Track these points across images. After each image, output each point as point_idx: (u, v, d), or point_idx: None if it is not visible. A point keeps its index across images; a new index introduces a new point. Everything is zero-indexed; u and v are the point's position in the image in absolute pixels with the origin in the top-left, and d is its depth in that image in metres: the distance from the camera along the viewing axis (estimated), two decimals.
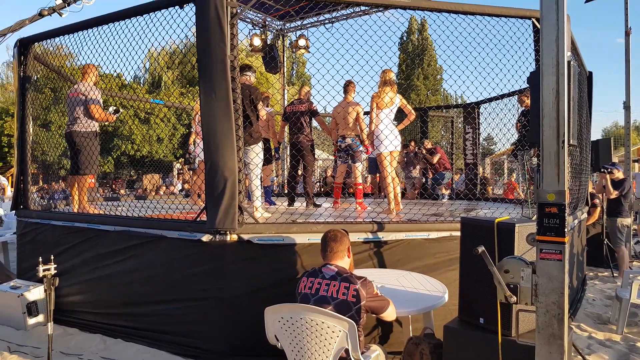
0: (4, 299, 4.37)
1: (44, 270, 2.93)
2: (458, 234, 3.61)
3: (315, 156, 7.06)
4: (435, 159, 8.52)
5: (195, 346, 3.59)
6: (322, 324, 2.32)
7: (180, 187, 14.01)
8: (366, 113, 6.28)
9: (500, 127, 5.92)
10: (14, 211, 5.37)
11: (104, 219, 4.32)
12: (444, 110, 11.65)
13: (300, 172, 6.69)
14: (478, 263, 2.35)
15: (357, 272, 3.26)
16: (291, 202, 6.39)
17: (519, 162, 6.54)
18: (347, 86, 5.93)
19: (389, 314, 2.58)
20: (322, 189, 10.68)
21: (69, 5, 6.04)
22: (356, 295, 2.45)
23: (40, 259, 2.95)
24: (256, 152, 4.87)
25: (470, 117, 8.45)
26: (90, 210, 5.00)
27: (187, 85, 23.22)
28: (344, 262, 2.67)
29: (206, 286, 3.58)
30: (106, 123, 5.66)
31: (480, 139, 8.78)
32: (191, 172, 8.64)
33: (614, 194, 6.48)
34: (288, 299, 2.62)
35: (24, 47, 5.31)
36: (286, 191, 6.69)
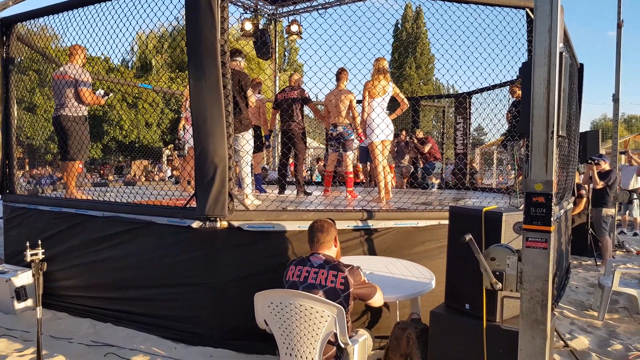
0: None
1: (31, 255, 2.90)
2: (446, 222, 3.65)
3: (307, 144, 7.05)
4: (426, 149, 8.56)
5: (185, 330, 3.62)
6: (311, 309, 2.34)
7: (169, 174, 13.92)
8: (358, 101, 6.27)
9: (490, 118, 5.95)
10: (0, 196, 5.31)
11: (93, 205, 4.29)
12: (436, 100, 11.67)
13: (291, 160, 6.69)
14: (465, 251, 2.38)
15: (347, 258, 3.30)
16: (281, 190, 6.39)
17: (509, 153, 6.61)
18: (340, 74, 5.90)
19: (377, 300, 2.61)
20: (313, 178, 10.69)
21: None
22: (344, 283, 2.48)
23: (28, 244, 2.92)
24: (246, 139, 4.84)
25: (462, 107, 8.49)
26: (78, 196, 4.95)
27: (177, 70, 22.94)
28: (331, 251, 2.70)
29: (196, 272, 3.59)
30: (95, 107, 5.56)
31: (471, 129, 8.83)
32: (180, 158, 8.58)
33: (600, 184, 6.59)
34: (278, 285, 2.64)
35: (6, 27, 5.17)
36: (278, 179, 6.67)
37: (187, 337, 3.57)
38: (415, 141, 8.78)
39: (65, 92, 5.00)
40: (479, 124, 10.66)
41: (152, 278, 3.81)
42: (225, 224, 3.56)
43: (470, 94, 8.35)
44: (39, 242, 3.02)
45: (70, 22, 4.70)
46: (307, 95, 6.21)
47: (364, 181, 9.05)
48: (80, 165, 7.57)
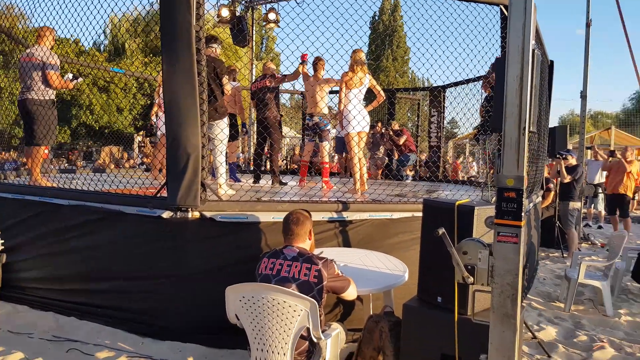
0: None
1: None
2: (420, 214, 3.68)
3: (283, 134, 6.99)
4: (402, 141, 8.62)
5: (153, 324, 3.53)
6: (284, 303, 2.32)
7: (140, 161, 13.62)
8: (334, 92, 6.25)
9: (464, 112, 6.01)
10: None
11: (58, 193, 4.13)
12: (411, 93, 11.74)
13: (266, 150, 6.63)
14: (438, 244, 2.40)
15: (322, 250, 3.29)
16: (256, 180, 6.33)
17: (480, 147, 6.71)
18: (316, 63, 5.85)
19: (350, 294, 2.61)
20: (289, 167, 10.64)
21: None
22: (318, 276, 2.46)
23: None
24: (221, 128, 4.75)
25: (437, 101, 8.56)
26: (43, 183, 4.78)
27: (151, 55, 22.36)
28: (305, 244, 2.68)
29: (166, 264, 3.51)
30: (63, 90, 5.34)
31: (445, 122, 8.93)
32: (152, 145, 8.39)
33: (568, 178, 6.78)
34: (250, 278, 2.60)
35: None
36: (252, 168, 6.60)
37: (155, 331, 3.48)
38: (391, 133, 8.82)
39: (32, 75, 4.80)
40: (453, 118, 10.76)
41: (119, 270, 3.70)
42: (197, 214, 3.49)
43: (444, 87, 8.43)
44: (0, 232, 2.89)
45: (39, 1, 4.50)
46: (278, 77, 6.15)
47: (340, 172, 9.05)
48: (47, 151, 7.32)
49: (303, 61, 5.86)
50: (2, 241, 2.86)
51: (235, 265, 3.45)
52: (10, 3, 5.24)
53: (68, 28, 4.42)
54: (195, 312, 3.48)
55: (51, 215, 4.04)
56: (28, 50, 4.94)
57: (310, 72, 5.95)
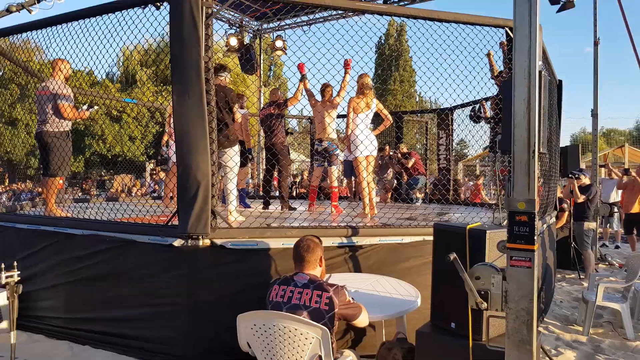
0: None
1: (6, 277, 2.80)
2: (431, 238, 3.64)
3: (292, 159, 7.04)
4: (410, 163, 8.61)
5: (166, 352, 3.51)
6: (295, 330, 2.30)
7: (152, 189, 13.75)
8: (342, 116, 6.30)
9: (473, 134, 6.00)
10: None
11: (72, 222, 4.18)
12: (419, 115, 11.79)
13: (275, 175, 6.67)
14: (450, 269, 2.37)
15: (332, 277, 3.26)
16: (266, 205, 6.36)
17: (490, 167, 6.67)
18: (325, 89, 5.93)
19: (362, 321, 2.58)
20: (298, 192, 10.66)
21: (39, 2, 5.84)
22: (329, 303, 2.44)
23: (3, 265, 2.82)
24: (231, 155, 4.81)
25: (444, 123, 8.58)
26: (57, 213, 4.83)
27: (162, 84, 22.85)
28: (316, 271, 2.66)
29: (178, 292, 3.51)
30: (79, 121, 5.44)
31: (454, 143, 8.93)
32: (163, 173, 8.49)
33: (581, 198, 6.69)
34: (261, 305, 2.59)
35: None
36: (261, 194, 6.63)
37: None
38: (399, 156, 8.82)
39: (46, 107, 4.92)
40: (462, 138, 10.75)
41: (132, 298, 3.70)
42: (207, 242, 3.50)
43: (452, 109, 8.46)
44: (15, 263, 2.92)
45: (54, 36, 4.64)
46: (281, 101, 6.20)
47: (349, 196, 9.04)
48: (62, 181, 7.44)
49: (302, 75, 5.86)
50: (19, 272, 2.89)
51: (246, 292, 3.43)
52: (27, 38, 5.40)
53: (81, 60, 4.53)
54: (209, 339, 3.44)
55: (65, 245, 4.08)
56: (43, 84, 5.07)
57: (318, 97, 6.01)
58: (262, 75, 12.30)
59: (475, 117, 5.82)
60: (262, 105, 11.19)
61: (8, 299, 2.82)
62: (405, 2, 9.82)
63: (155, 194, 10.01)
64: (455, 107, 8.30)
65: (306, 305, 2.44)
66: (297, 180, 12.77)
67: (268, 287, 2.65)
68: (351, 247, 3.73)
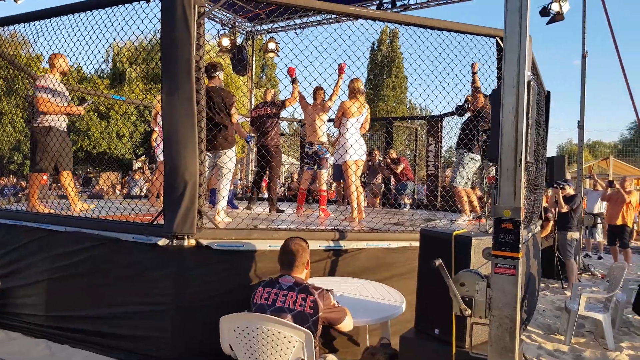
0: None
1: None
2: (417, 244, 3.65)
3: (282, 161, 7.01)
4: (399, 169, 8.64)
5: (146, 353, 3.46)
6: (279, 334, 2.28)
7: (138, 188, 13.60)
8: (330, 120, 6.30)
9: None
10: None
11: (55, 219, 4.11)
12: (409, 121, 11.87)
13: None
14: (435, 275, 2.38)
15: (317, 280, 3.25)
16: (249, 206, 6.27)
17: (479, 175, 6.72)
18: (316, 92, 5.93)
19: (346, 325, 2.57)
20: (287, 194, 10.65)
21: None
22: (313, 307, 2.43)
23: None
24: (229, 157, 4.80)
25: (434, 130, 8.64)
26: (40, 209, 4.75)
27: (151, 82, 22.67)
28: (302, 274, 2.65)
29: (161, 291, 3.46)
30: (72, 115, 5.27)
31: (442, 150, 8.99)
32: (149, 171, 8.42)
33: (565, 208, 6.77)
34: (246, 306, 2.56)
35: None
36: (248, 194, 6.54)
37: None
38: (389, 161, 8.85)
39: (33, 102, 4.83)
40: (450, 146, 10.84)
41: (115, 297, 3.64)
42: (193, 242, 3.46)
43: (442, 116, 8.53)
44: None
45: (42, 30, 4.58)
46: (278, 103, 6.13)
47: (337, 199, 9.04)
48: (45, 177, 7.31)
49: (293, 78, 5.82)
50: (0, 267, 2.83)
51: (231, 293, 3.41)
52: (15, 30, 5.31)
53: (70, 55, 4.47)
54: (191, 340, 3.41)
55: (47, 241, 4.00)
56: (37, 81, 4.98)
57: (310, 100, 6.01)
58: (253, 77, 12.26)
59: (461, 110, 5.88)
60: (252, 106, 11.16)
61: None
62: (398, 9, 9.90)
63: (142, 193, 9.92)
64: (445, 115, 8.37)
65: (290, 309, 2.43)
66: (287, 183, 12.75)
67: (253, 289, 2.63)
68: (337, 251, 3.72)
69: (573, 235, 6.87)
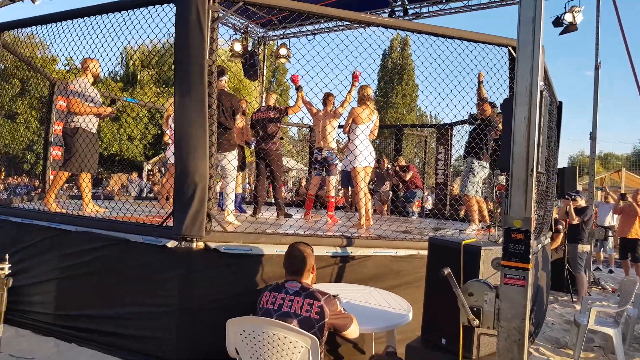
0: None
1: None
2: (425, 252, 3.62)
3: (290, 166, 6.98)
4: (408, 177, 8.61)
5: (152, 354, 3.46)
6: (285, 339, 2.28)
7: (149, 189, 13.72)
8: (340, 126, 6.30)
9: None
10: None
11: (66, 219, 4.15)
12: (419, 129, 11.84)
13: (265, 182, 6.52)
14: (443, 284, 2.36)
15: (324, 286, 3.24)
16: (255, 212, 6.11)
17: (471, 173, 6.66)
18: (326, 99, 5.94)
19: (352, 332, 2.55)
20: (295, 199, 10.65)
21: None
22: (320, 312, 2.42)
23: None
24: (229, 159, 4.86)
25: (444, 138, 8.61)
26: (53, 207, 4.80)
27: (163, 85, 22.90)
28: (308, 279, 2.65)
29: (169, 293, 3.47)
30: (102, 117, 5.31)
31: (452, 159, 8.96)
32: (159, 174, 8.48)
33: (576, 220, 6.69)
34: (252, 310, 2.56)
35: None
36: (253, 200, 6.42)
37: None
38: (397, 169, 8.82)
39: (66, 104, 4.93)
40: (460, 155, 10.79)
41: (123, 297, 3.66)
42: (201, 245, 3.48)
43: (452, 125, 8.50)
44: (6, 256, 2.89)
45: (59, 32, 4.64)
46: (281, 108, 6.01)
47: (345, 205, 9.03)
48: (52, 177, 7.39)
49: (297, 87, 5.77)
50: (10, 265, 2.86)
51: (238, 296, 3.41)
52: (32, 32, 5.38)
53: (85, 57, 4.52)
54: (197, 342, 3.41)
55: (58, 240, 4.05)
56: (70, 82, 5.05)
57: (320, 105, 6.01)
58: (264, 82, 12.32)
59: (472, 119, 5.86)
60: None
61: None
62: (410, 17, 9.91)
63: (152, 195, 10.00)
64: (456, 123, 8.34)
65: (297, 314, 2.42)
66: (295, 188, 12.76)
67: (259, 293, 2.63)
68: (345, 258, 3.71)
69: (584, 247, 6.78)
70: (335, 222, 5.68)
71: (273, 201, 6.51)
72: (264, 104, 12.59)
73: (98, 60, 5.03)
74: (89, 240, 3.85)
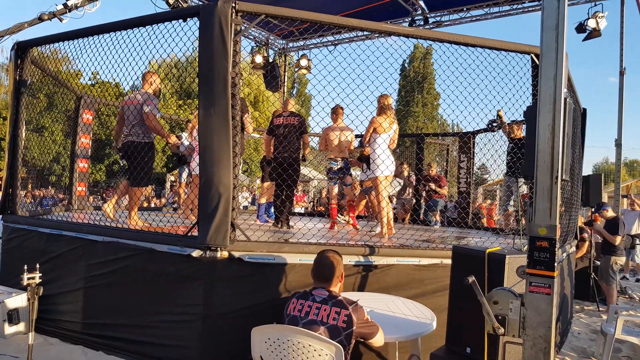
0: None
1: (28, 279, 2.88)
2: (448, 261, 3.60)
3: (312, 176, 7.01)
4: (443, 191, 8.37)
5: None
6: (309, 346, 2.30)
7: (172, 200, 13.95)
8: (358, 136, 6.32)
9: (494, 158, 5.96)
10: (1, 216, 5.29)
11: (93, 229, 4.26)
12: (440, 138, 11.77)
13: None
14: (467, 292, 2.36)
15: (347, 295, 3.25)
16: (277, 222, 5.99)
17: (510, 192, 6.60)
18: (335, 111, 5.99)
19: (378, 340, 2.56)
20: (317, 209, 10.68)
21: (70, 11, 6.08)
22: (347, 321, 2.43)
23: (26, 267, 2.90)
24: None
25: (466, 147, 8.54)
26: (137, 224, 4.71)
27: (185, 98, 23.31)
28: (336, 287, 2.66)
29: (193, 301, 3.54)
30: (99, 130, 5.43)
31: (474, 168, 8.87)
32: (183, 184, 8.58)
33: (619, 240, 6.44)
34: (277, 318, 2.60)
35: (21, 50, 5.25)
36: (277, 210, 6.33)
37: None
38: (429, 176, 8.59)
39: (132, 118, 4.86)
40: (483, 163, 10.68)
41: (148, 306, 3.74)
42: (225, 254, 3.53)
43: (474, 133, 8.43)
44: (37, 265, 2.99)
45: (85, 47, 4.76)
46: (306, 124, 5.92)
47: (366, 214, 9.02)
48: (83, 189, 7.57)
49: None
50: (40, 274, 2.96)
51: (261, 305, 3.46)
52: (57, 47, 5.55)
53: (110, 71, 4.63)
54: (225, 351, 3.45)
55: (86, 250, 4.16)
56: (132, 94, 5.02)
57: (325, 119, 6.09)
58: (285, 92, 12.45)
59: (493, 125, 5.84)
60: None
61: (28, 300, 2.88)
62: (431, 26, 9.92)
63: (175, 204, 10.15)
64: (478, 132, 8.28)
65: (323, 321, 2.44)
66: (316, 198, 12.79)
67: (286, 300, 2.66)
68: (368, 266, 3.72)
69: (618, 259, 6.57)
70: (355, 225, 5.67)
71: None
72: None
73: (157, 74, 5.07)
74: (115, 250, 3.96)
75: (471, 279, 2.28)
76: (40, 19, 5.98)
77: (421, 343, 3.04)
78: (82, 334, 4.07)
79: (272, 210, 6.51)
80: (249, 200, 15.24)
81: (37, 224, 4.75)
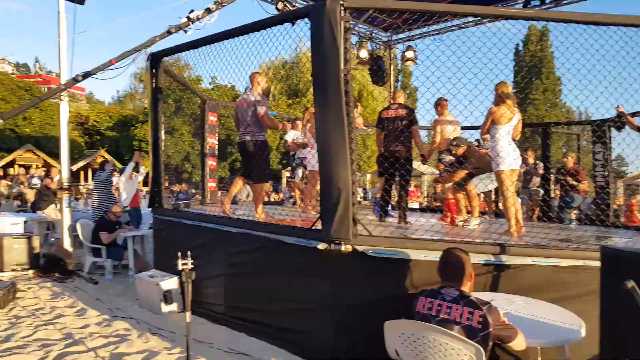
0: (144, 285, 4.97)
1: (182, 265, 3.23)
2: (592, 263, 3.30)
3: (422, 171, 6.81)
4: (583, 186, 7.55)
5: (311, 349, 3.70)
6: (447, 345, 2.24)
7: (288, 195, 14.60)
8: (475, 127, 5.98)
9: (632, 148, 5.23)
10: (150, 208, 6.00)
11: (229, 222, 4.66)
12: (565, 127, 10.70)
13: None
14: (624, 298, 2.10)
15: (478, 295, 3.10)
16: (381, 217, 5.93)
17: None
18: (440, 103, 5.80)
19: (518, 344, 2.41)
20: (432, 204, 10.40)
21: (192, 23, 6.67)
22: (482, 322, 2.32)
23: (179, 254, 3.25)
24: None
25: (602, 136, 7.62)
26: (262, 217, 5.06)
27: (294, 97, 24.23)
28: (465, 286, 2.56)
29: (321, 292, 3.68)
30: (221, 130, 5.80)
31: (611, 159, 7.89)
32: (291, 181, 8.91)
33: None
34: (402, 313, 2.56)
35: (155, 61, 5.78)
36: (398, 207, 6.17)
37: (312, 356, 3.66)
38: (567, 170, 7.80)
39: (247, 117, 5.06)
40: (619, 154, 9.46)
41: (279, 293, 4.00)
42: (349, 247, 3.59)
43: (608, 120, 7.49)
44: (189, 252, 3.33)
45: (203, 55, 5.11)
46: (415, 115, 5.68)
47: (486, 211, 8.50)
48: (214, 185, 8.25)
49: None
50: (192, 260, 3.31)
51: (387, 299, 3.44)
52: (179, 55, 6.05)
53: (226, 75, 4.90)
54: (350, 341, 3.55)
55: (224, 241, 4.57)
56: (244, 96, 5.31)
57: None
58: (391, 86, 12.22)
59: (619, 124, 5.11)
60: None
61: (182, 282, 3.20)
62: (549, 6, 9.02)
63: (292, 200, 10.61)
64: (611, 119, 7.36)
65: (457, 321, 2.37)
66: (430, 193, 12.46)
67: (411, 297, 2.62)
68: (499, 266, 3.51)
69: None
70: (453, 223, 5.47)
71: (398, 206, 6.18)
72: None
73: (263, 74, 5.34)
74: (248, 241, 4.28)
75: (630, 284, 2.03)
76: (168, 32, 6.65)
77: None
78: (225, 315, 4.50)
79: (389, 208, 6.39)
80: (361, 194, 15.36)
81: (181, 216, 5.33)
